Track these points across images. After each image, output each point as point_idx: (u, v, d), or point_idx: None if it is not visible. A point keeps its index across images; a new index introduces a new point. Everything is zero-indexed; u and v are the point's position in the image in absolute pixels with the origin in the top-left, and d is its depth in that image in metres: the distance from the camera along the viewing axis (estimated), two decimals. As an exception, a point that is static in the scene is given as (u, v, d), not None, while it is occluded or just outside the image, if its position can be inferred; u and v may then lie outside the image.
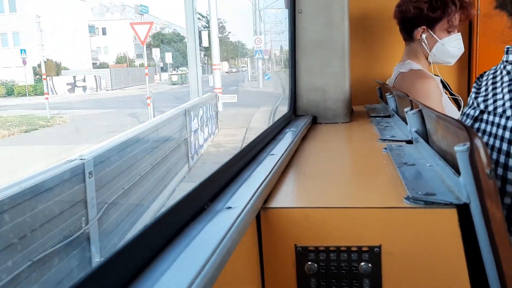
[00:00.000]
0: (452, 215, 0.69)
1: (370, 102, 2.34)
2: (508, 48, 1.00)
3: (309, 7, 1.73)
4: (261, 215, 0.74)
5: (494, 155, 0.94)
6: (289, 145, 1.17)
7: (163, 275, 0.47)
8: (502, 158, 0.91)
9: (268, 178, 0.82)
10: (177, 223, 0.60)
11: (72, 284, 0.37)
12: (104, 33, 55.34)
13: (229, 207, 0.67)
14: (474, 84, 1.12)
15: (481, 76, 1.12)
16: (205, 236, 0.57)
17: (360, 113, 2.00)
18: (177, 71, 44.02)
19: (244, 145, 1.01)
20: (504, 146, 0.91)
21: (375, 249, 0.72)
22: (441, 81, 1.98)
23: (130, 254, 0.48)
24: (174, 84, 39.62)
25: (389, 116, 1.76)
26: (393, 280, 0.72)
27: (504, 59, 1.01)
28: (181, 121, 9.65)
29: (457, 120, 0.70)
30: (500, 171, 0.92)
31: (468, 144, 0.65)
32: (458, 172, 0.71)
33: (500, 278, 0.66)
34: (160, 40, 55.55)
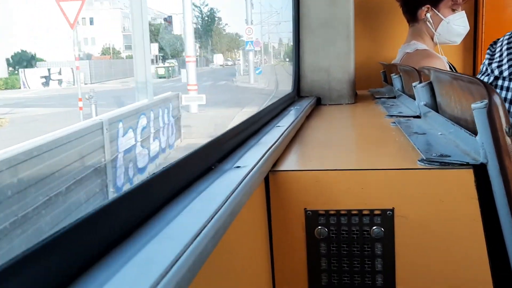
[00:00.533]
0: (468, 176, 0.67)
1: (374, 87, 2.31)
2: None
3: (314, -15, 1.70)
4: (270, 177, 0.71)
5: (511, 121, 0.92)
6: (295, 119, 1.14)
7: (172, 221, 0.44)
8: None
9: (276, 143, 0.80)
10: (183, 179, 0.57)
11: (84, 214, 0.34)
12: (91, 23, 52.07)
13: (238, 166, 0.65)
14: (488, 51, 1.09)
15: (495, 42, 1.09)
16: (213, 191, 0.55)
17: (364, 96, 1.98)
18: (164, 64, 40.55)
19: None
20: None
21: (388, 212, 0.69)
22: (447, 62, 1.96)
23: (135, 201, 0.45)
24: (160, 78, 35.42)
25: (394, 98, 1.73)
26: (406, 244, 0.70)
27: None
28: (92, 140, 5.76)
29: (474, 77, 0.67)
30: None
31: (486, 101, 0.62)
32: (474, 133, 0.68)
33: (518, 240, 0.63)
34: (150, 30, 54.54)
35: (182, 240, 0.37)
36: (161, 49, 49.84)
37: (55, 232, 0.32)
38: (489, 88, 0.62)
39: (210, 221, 0.44)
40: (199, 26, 55.75)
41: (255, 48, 26.54)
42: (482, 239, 0.67)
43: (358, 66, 2.06)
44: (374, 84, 2.33)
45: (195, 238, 0.39)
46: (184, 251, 0.35)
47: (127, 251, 0.36)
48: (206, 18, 55.65)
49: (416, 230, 0.69)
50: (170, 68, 37.20)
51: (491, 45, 1.12)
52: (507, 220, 0.64)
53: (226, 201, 0.50)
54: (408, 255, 0.70)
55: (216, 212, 0.47)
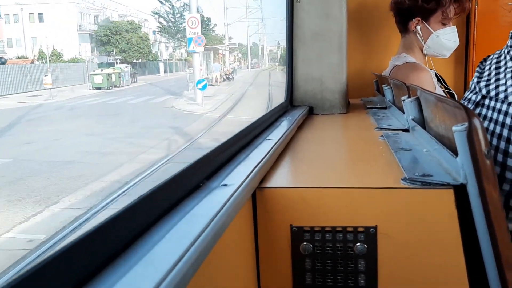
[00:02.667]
0: (449, 195, 0.69)
1: (366, 96, 2.33)
2: None
3: (307, -4, 1.73)
4: (257, 194, 0.73)
5: (495, 141, 0.93)
6: (286, 131, 1.16)
7: (156, 245, 0.46)
8: (502, 144, 0.91)
9: (264, 159, 0.81)
10: (171, 198, 0.59)
11: (62, 247, 0.36)
12: (41, 19, 43.76)
13: (225, 185, 0.66)
14: (477, 68, 1.11)
15: (485, 60, 1.11)
16: (199, 211, 0.57)
17: (356, 106, 2.00)
18: (102, 70, 30.72)
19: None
20: (505, 132, 0.90)
21: (371, 229, 0.71)
22: (436, 75, 1.99)
23: (120, 226, 0.47)
24: (98, 89, 28.28)
25: (385, 108, 1.75)
26: (388, 261, 0.71)
27: (509, 44, 0.99)
28: None
29: (456, 101, 0.69)
30: (500, 157, 0.91)
31: (466, 124, 0.64)
32: (455, 153, 0.70)
33: (496, 259, 0.65)
34: (108, 28, 45.29)
35: (163, 267, 0.39)
36: (123, 51, 44.40)
37: (36, 263, 0.33)
38: (470, 112, 0.64)
39: (193, 244, 0.46)
40: (170, 24, 49.73)
41: (197, 49, 19.37)
42: (461, 257, 0.70)
43: (352, 75, 2.08)
44: (368, 92, 2.36)
45: (176, 264, 0.40)
46: (165, 279, 0.37)
47: (108, 278, 0.37)
48: (179, 15, 49.86)
49: (398, 247, 0.71)
50: (111, 76, 29.47)
51: (481, 62, 1.14)
52: (485, 239, 0.66)
53: (210, 223, 0.52)
54: (390, 272, 0.72)
55: (199, 235, 0.48)
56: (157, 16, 50.03)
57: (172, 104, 19.41)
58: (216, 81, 30.81)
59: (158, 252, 0.44)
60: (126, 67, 36.14)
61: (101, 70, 30.82)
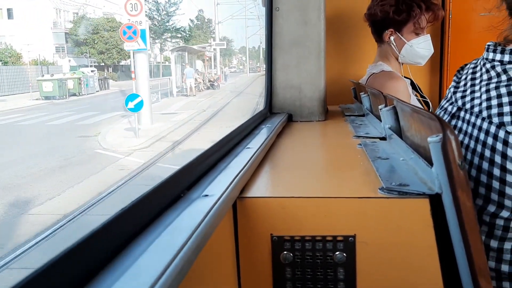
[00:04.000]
0: (424, 205, 0.71)
1: (344, 102, 2.37)
2: (488, 45, 0.98)
3: (286, 5, 1.74)
4: (238, 204, 0.74)
5: (469, 156, 0.94)
6: (265, 139, 1.17)
7: (138, 259, 0.46)
8: (476, 160, 0.92)
9: (245, 168, 0.82)
10: (153, 210, 0.59)
11: (45, 263, 0.36)
12: (10, 16, 39.06)
13: (206, 195, 0.67)
14: (454, 77, 1.11)
15: (462, 68, 1.11)
16: (181, 223, 0.57)
17: (334, 113, 2.03)
18: (52, 75, 25.42)
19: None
20: (479, 148, 0.91)
21: (350, 238, 0.72)
22: (412, 83, 2.03)
23: (102, 239, 0.47)
24: (47, 99, 23.51)
25: (363, 116, 1.78)
26: (367, 269, 0.73)
27: (484, 56, 1.00)
28: None
29: (431, 113, 0.71)
30: (474, 172, 0.92)
31: (440, 135, 0.66)
32: (430, 164, 0.72)
33: (470, 267, 0.67)
34: (92, 29, 41.31)
35: (149, 279, 0.39)
36: (101, 53, 40.18)
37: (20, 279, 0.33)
38: (444, 124, 0.67)
39: (176, 256, 0.46)
40: (156, 23, 45.69)
41: (142, 47, 14.12)
42: (437, 264, 0.71)
43: (330, 82, 2.11)
44: (346, 99, 2.39)
45: (160, 277, 0.41)
46: (150, 293, 0.37)
47: (94, 293, 0.37)
48: (165, 13, 46.51)
49: (376, 256, 0.73)
50: (70, 82, 25.06)
51: (458, 71, 1.13)
52: (459, 247, 0.68)
53: (193, 234, 0.52)
54: (368, 279, 0.73)
55: (183, 246, 0.49)
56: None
57: (101, 131, 14.01)
58: (191, 90, 25.52)
59: (143, 263, 0.44)
60: (92, 71, 30.79)
61: (51, 75, 25.34)
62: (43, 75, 26.02)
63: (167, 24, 46.46)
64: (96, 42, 40.76)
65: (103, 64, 41.37)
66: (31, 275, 0.36)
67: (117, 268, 0.43)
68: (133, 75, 15.64)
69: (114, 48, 40.66)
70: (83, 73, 28.51)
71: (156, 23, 46.03)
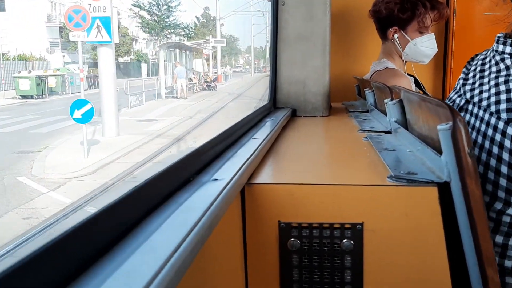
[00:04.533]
0: (433, 193, 0.71)
1: (347, 100, 2.37)
2: (498, 36, 0.97)
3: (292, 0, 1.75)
4: (246, 190, 0.74)
5: (477, 151, 0.93)
6: (271, 131, 1.17)
7: (152, 235, 0.46)
8: (484, 156, 0.91)
9: (252, 156, 0.82)
10: (163, 191, 0.59)
11: (65, 229, 0.36)
12: (2, 9, 36.31)
13: (216, 179, 0.67)
14: (464, 69, 1.09)
15: (472, 59, 1.08)
16: (192, 203, 0.57)
17: (338, 109, 2.03)
18: (30, 72, 22.75)
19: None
20: (487, 144, 0.90)
21: (357, 226, 0.73)
22: (416, 80, 2.03)
23: (118, 213, 0.47)
24: (24, 98, 21.27)
25: (367, 112, 1.78)
26: (374, 257, 0.73)
27: (494, 48, 0.97)
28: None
29: (440, 100, 0.71)
30: (481, 169, 0.91)
31: (450, 123, 0.66)
32: (439, 153, 0.72)
33: (477, 255, 0.67)
34: None
35: (164, 253, 0.40)
36: (95, 48, 37.26)
37: (38, 247, 0.33)
38: (454, 112, 0.67)
39: (190, 233, 0.46)
40: (155, 18, 42.22)
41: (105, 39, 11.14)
42: (444, 252, 0.72)
43: (333, 78, 2.11)
44: (349, 97, 2.39)
45: (176, 251, 0.41)
46: (166, 264, 0.37)
47: (110, 264, 0.38)
48: (165, 8, 42.77)
49: (383, 244, 0.73)
50: (52, 79, 22.30)
51: (468, 62, 1.11)
52: (467, 235, 0.68)
53: (205, 214, 0.52)
54: (376, 267, 0.73)
55: (195, 225, 0.49)
56: (138, 9, 42.89)
57: (51, 144, 11.28)
58: (182, 91, 22.17)
59: (156, 240, 0.44)
60: (79, 68, 27.28)
61: (29, 72, 22.44)
62: (19, 72, 23.03)
63: (167, 20, 43.52)
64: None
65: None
66: (47, 244, 0.36)
67: (135, 241, 0.43)
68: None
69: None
70: (68, 70, 25.37)
71: (156, 19, 43.27)
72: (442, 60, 2.31)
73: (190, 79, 25.13)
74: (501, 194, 0.87)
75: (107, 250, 0.40)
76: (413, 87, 1.94)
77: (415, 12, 1.88)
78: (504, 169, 0.86)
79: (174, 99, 21.62)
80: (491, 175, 0.89)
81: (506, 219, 0.88)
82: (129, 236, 0.44)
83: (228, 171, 0.72)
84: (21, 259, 0.32)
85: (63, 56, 38.40)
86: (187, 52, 26.22)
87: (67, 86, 23.79)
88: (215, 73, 34.35)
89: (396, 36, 1.93)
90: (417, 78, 2.04)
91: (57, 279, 0.35)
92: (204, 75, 29.10)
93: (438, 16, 1.91)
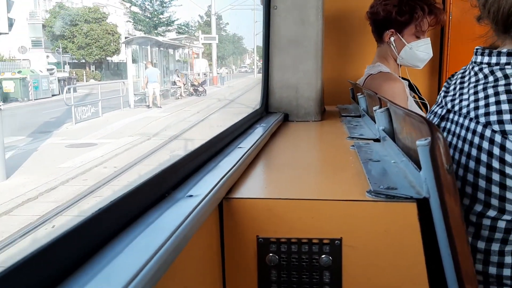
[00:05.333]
0: (412, 209, 0.70)
1: (342, 103, 2.36)
2: (477, 49, 1.00)
3: (284, 3, 1.73)
4: (224, 205, 0.73)
5: (457, 156, 0.94)
6: (258, 139, 1.16)
7: (115, 258, 0.45)
8: (463, 159, 0.92)
9: (233, 169, 0.81)
10: (135, 209, 0.58)
11: (18, 261, 0.35)
12: None
13: (191, 195, 0.66)
14: (445, 84, 1.13)
15: (452, 76, 1.13)
16: (162, 222, 0.56)
17: (332, 113, 2.02)
18: (14, 73, 20.28)
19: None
20: (466, 147, 0.91)
21: (336, 241, 0.72)
22: (410, 84, 2.02)
23: (81, 237, 0.46)
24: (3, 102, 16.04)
25: (359, 116, 1.77)
26: (352, 273, 0.72)
27: (473, 60, 1.01)
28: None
29: (421, 116, 0.71)
30: (461, 172, 0.92)
31: (429, 139, 0.65)
32: (419, 167, 0.71)
33: (456, 272, 0.67)
34: (61, 17, 34.49)
35: (119, 282, 0.39)
36: (81, 48, 33.63)
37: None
38: (433, 127, 0.66)
39: (152, 258, 0.45)
40: (148, 14, 38.68)
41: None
42: (423, 269, 0.71)
43: (328, 82, 2.10)
44: (344, 99, 2.38)
45: (132, 280, 0.40)
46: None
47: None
48: (158, 3, 39.00)
49: (362, 259, 0.72)
50: (6, 83, 19.06)
51: (449, 78, 1.16)
52: (446, 252, 0.67)
53: (172, 235, 0.52)
54: (354, 283, 0.72)
55: (160, 248, 0.48)
56: (128, 5, 39.37)
57: None
58: (155, 98, 18.07)
59: (115, 267, 0.43)
60: (49, 70, 24.10)
61: (14, 73, 19.95)
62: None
63: (161, 16, 39.30)
64: (75, 35, 34.99)
65: (83, 61, 35.95)
66: (1, 273, 0.35)
67: (90, 270, 0.42)
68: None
69: (95, 42, 34.78)
70: (33, 72, 21.56)
71: (149, 15, 39.31)
72: (438, 64, 2.30)
73: (174, 82, 21.77)
74: (481, 196, 0.88)
75: (61, 281, 0.39)
76: (407, 91, 1.93)
77: (413, 15, 1.87)
78: (483, 170, 0.86)
79: (146, 108, 17.86)
80: (470, 177, 0.89)
81: (487, 222, 0.88)
82: (88, 263, 0.43)
83: (205, 185, 0.71)
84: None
85: (47, 56, 35.35)
86: (168, 50, 22.34)
87: (30, 92, 20.42)
88: (204, 74, 29.85)
89: (392, 39, 1.92)
90: (411, 82, 2.03)
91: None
92: (190, 78, 24.85)
93: (435, 21, 1.90)
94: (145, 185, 0.63)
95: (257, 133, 1.29)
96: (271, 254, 0.73)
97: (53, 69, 25.03)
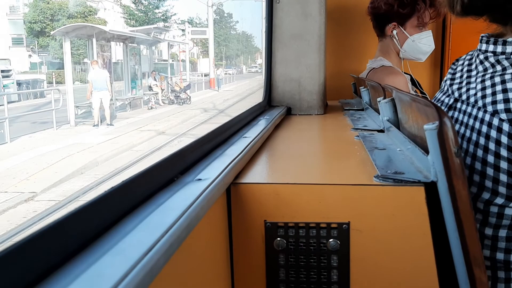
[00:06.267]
0: (420, 193, 0.70)
1: (344, 98, 2.36)
2: (482, 36, 1.00)
3: (287, -3, 1.74)
4: (232, 189, 0.73)
5: (464, 144, 0.95)
6: (263, 130, 1.16)
7: (126, 236, 0.45)
8: (471, 148, 0.92)
9: (240, 155, 0.81)
10: (144, 191, 0.59)
11: (38, 228, 0.35)
12: None
13: (199, 179, 0.66)
14: (449, 69, 1.12)
15: (457, 60, 1.13)
16: (173, 203, 0.56)
17: (334, 107, 2.02)
18: None
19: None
20: (474, 136, 0.92)
21: (344, 226, 0.72)
22: (412, 79, 2.02)
23: (93, 214, 0.46)
24: None
25: (362, 110, 1.78)
26: (360, 257, 0.72)
27: (478, 48, 1.01)
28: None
29: (428, 100, 0.71)
30: (469, 160, 0.93)
31: (437, 122, 0.66)
32: (427, 152, 0.72)
33: (464, 255, 0.67)
34: (41, 11, 30.40)
35: (133, 255, 0.39)
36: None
37: (6, 247, 0.33)
38: (441, 111, 0.66)
39: (164, 235, 0.46)
40: (142, 8, 34.95)
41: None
42: (431, 253, 0.71)
43: (330, 76, 2.10)
44: (346, 94, 2.39)
45: (147, 253, 0.40)
46: (134, 267, 0.36)
47: (78, 266, 0.37)
48: None
49: (370, 243, 0.72)
50: None
51: (453, 63, 1.15)
52: (454, 236, 0.67)
53: (183, 215, 0.52)
54: (362, 267, 0.73)
55: (171, 226, 0.48)
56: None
57: None
58: (105, 113, 13.00)
59: (129, 242, 0.43)
60: (4, 71, 19.75)
61: None
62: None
63: (156, 10, 35.44)
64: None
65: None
66: (21, 241, 0.35)
67: (106, 243, 0.42)
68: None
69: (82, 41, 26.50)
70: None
71: (142, 8, 35.50)
72: (440, 58, 2.30)
73: (150, 88, 17.39)
74: (488, 183, 0.88)
75: (78, 252, 0.39)
76: (409, 85, 1.93)
77: (415, 7, 1.88)
78: (490, 158, 0.87)
79: (92, 126, 12.66)
80: (478, 165, 0.90)
81: (494, 209, 0.89)
82: (102, 238, 0.43)
83: (213, 170, 0.71)
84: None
85: (30, 56, 31.51)
86: (140, 46, 17.29)
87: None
88: (181, 80, 24.14)
89: (395, 32, 1.93)
90: (413, 76, 2.04)
91: (26, 279, 0.35)
92: (171, 82, 19.25)
93: (435, 14, 1.91)
94: (153, 169, 0.63)
95: (261, 125, 1.29)
96: (278, 239, 0.73)
97: (10, 70, 20.79)
